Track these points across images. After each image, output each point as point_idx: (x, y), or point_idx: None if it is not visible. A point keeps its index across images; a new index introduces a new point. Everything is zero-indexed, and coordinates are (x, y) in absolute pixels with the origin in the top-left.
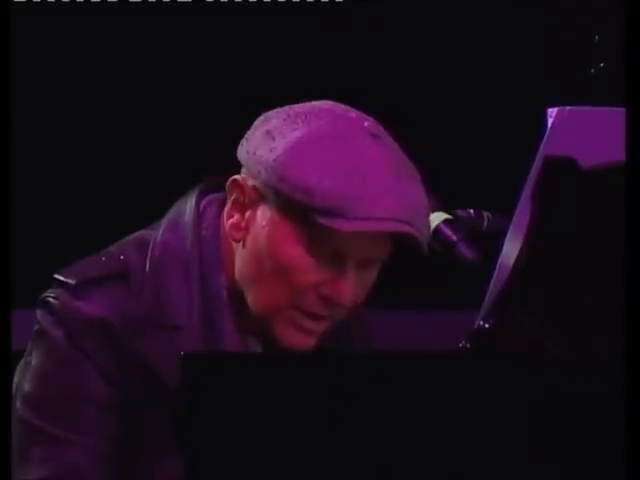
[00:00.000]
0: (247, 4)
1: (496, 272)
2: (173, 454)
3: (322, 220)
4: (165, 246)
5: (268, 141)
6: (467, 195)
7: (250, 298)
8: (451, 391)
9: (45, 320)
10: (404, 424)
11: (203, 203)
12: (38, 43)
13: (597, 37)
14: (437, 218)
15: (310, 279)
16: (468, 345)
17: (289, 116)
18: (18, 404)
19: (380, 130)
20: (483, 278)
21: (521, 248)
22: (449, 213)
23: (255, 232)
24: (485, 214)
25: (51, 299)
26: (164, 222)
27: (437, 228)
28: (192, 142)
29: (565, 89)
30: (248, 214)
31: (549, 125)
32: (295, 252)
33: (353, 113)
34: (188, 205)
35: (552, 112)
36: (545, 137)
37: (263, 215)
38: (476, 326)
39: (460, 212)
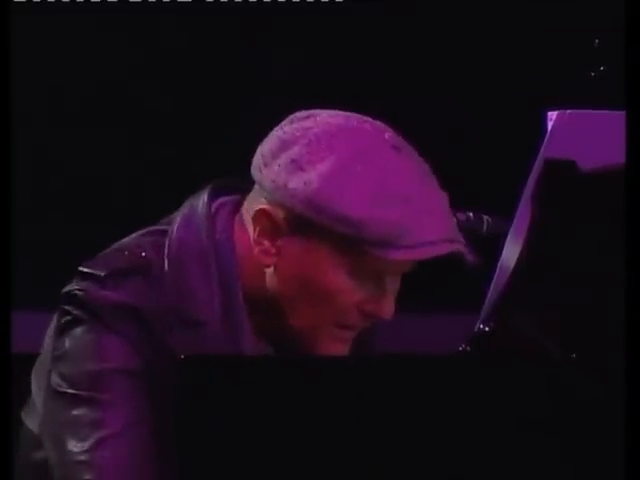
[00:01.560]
0: (247, 4)
1: (496, 275)
2: None
3: (371, 250)
4: (181, 243)
5: (297, 172)
6: (467, 198)
7: (288, 317)
8: (451, 394)
9: (77, 310)
10: (405, 427)
11: (215, 205)
12: (38, 43)
13: (597, 40)
14: None
15: (353, 300)
16: (468, 348)
17: (310, 141)
18: (57, 382)
19: (399, 140)
20: (483, 281)
21: (521, 251)
22: None
23: (290, 258)
24: (485, 217)
25: (78, 292)
26: (178, 219)
27: None
28: (192, 141)
29: (565, 92)
30: (279, 242)
31: (549, 128)
32: (337, 276)
33: (368, 125)
34: (200, 204)
35: (552, 115)
36: (545, 140)
37: (298, 244)
38: (476, 329)
39: (460, 215)
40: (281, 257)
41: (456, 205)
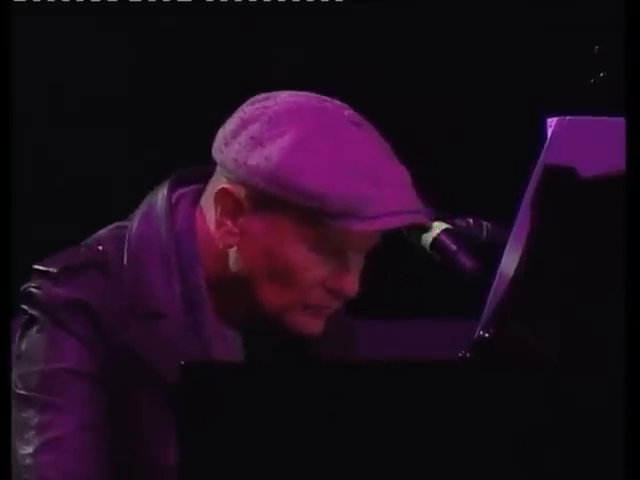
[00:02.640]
0: (247, 4)
1: (496, 281)
2: (169, 442)
3: (333, 222)
4: (140, 238)
5: (258, 148)
6: (466, 205)
7: (254, 299)
8: (451, 400)
9: (32, 310)
10: (405, 433)
11: (175, 196)
12: (38, 43)
13: (597, 47)
14: (436, 228)
15: (316, 276)
16: (468, 354)
17: (271, 118)
18: (14, 385)
19: (359, 117)
20: (483, 287)
21: (521, 257)
22: (448, 223)
23: (252, 237)
24: (484, 224)
25: (33, 289)
26: (137, 214)
27: (436, 238)
28: (193, 141)
29: (565, 98)
30: (241, 220)
31: (549, 135)
32: (300, 252)
33: (329, 104)
34: (159, 197)
35: (552, 122)
36: (545, 147)
37: (260, 221)
38: (476, 335)
39: (459, 222)
40: (244, 236)
41: (456, 211)
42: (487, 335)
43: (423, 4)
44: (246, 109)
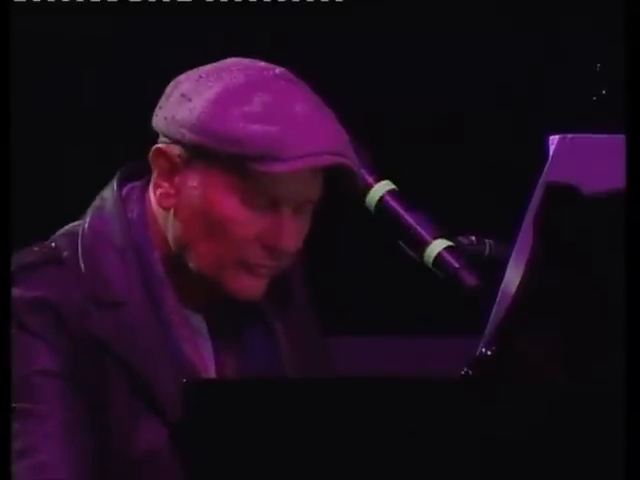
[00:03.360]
0: (247, 4)
1: (498, 299)
2: (142, 427)
3: (256, 166)
4: (94, 232)
5: (185, 103)
6: (469, 222)
7: (193, 261)
8: (453, 418)
9: None
10: (407, 450)
11: (125, 190)
12: (38, 43)
13: (598, 65)
14: (439, 245)
15: (250, 230)
16: (470, 372)
17: (201, 77)
18: None
19: (292, 76)
20: (485, 304)
21: (523, 275)
22: (451, 240)
23: (187, 195)
24: (487, 241)
25: None
26: (89, 211)
27: (439, 255)
28: None
29: (567, 116)
30: (177, 180)
31: (551, 153)
32: (232, 205)
33: (262, 63)
34: (110, 191)
35: (554, 140)
36: (547, 165)
37: (193, 176)
38: (478, 353)
39: (462, 239)
40: (180, 196)
41: (458, 229)
42: (489, 352)
43: (425, 19)
44: (180, 76)
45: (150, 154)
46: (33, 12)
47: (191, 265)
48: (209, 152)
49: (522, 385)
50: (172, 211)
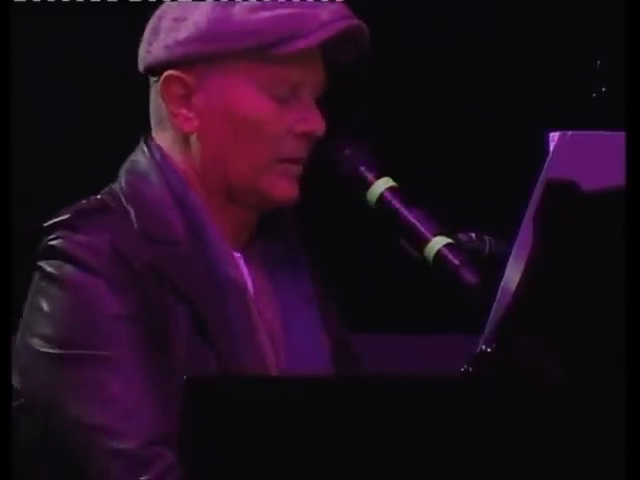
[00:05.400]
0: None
1: (498, 296)
2: (199, 362)
3: (277, 50)
4: (131, 184)
5: (182, 23)
6: (469, 219)
7: (230, 175)
8: (453, 415)
9: (52, 265)
10: (406, 448)
11: (151, 146)
12: (38, 43)
13: (598, 62)
14: (439, 242)
15: (281, 123)
16: (470, 369)
17: (182, 1)
18: (41, 348)
19: None
20: (485, 302)
21: (523, 272)
22: (451, 237)
23: (210, 110)
24: (487, 238)
25: (54, 242)
26: (121, 173)
27: (439, 252)
28: None
29: (567, 113)
30: (194, 100)
31: (551, 149)
32: (258, 102)
33: None
34: (139, 150)
35: (554, 136)
36: (547, 161)
37: (211, 90)
38: (478, 350)
39: (462, 236)
40: (202, 116)
41: (458, 226)
42: (489, 350)
43: (425, 20)
44: (155, 12)
45: (160, 85)
46: (33, 12)
47: (228, 181)
48: (224, 56)
49: (522, 383)
50: (195, 136)
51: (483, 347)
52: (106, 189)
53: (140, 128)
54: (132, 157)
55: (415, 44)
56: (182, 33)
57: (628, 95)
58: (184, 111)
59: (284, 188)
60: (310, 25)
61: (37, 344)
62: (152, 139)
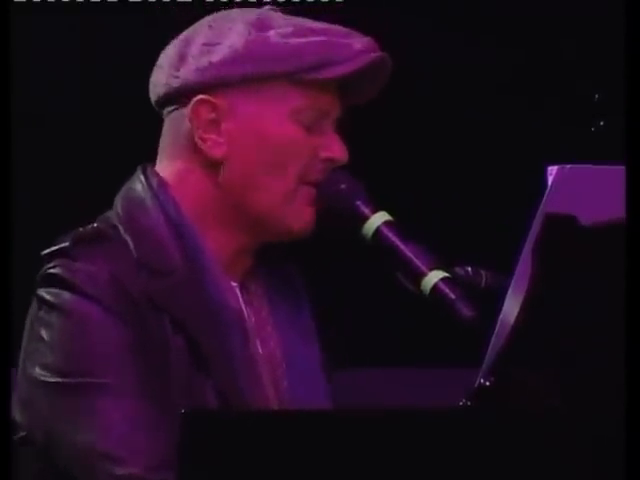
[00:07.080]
0: (247, 4)
1: (496, 329)
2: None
3: (312, 75)
4: (129, 214)
5: (215, 47)
6: (465, 253)
7: (257, 202)
8: (452, 449)
9: (51, 293)
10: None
11: (150, 174)
12: (38, 43)
13: (597, 95)
14: (435, 276)
15: (310, 145)
16: (468, 403)
17: (211, 25)
18: (41, 377)
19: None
20: (482, 335)
21: (521, 305)
22: (447, 271)
23: (241, 135)
24: (483, 272)
25: (52, 270)
26: (118, 200)
27: (435, 286)
28: None
29: (565, 147)
30: (224, 126)
31: (549, 183)
32: (289, 126)
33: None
34: (136, 178)
35: (552, 170)
36: (545, 195)
37: (243, 116)
38: (476, 384)
39: (458, 270)
40: (231, 140)
41: (455, 260)
42: (488, 383)
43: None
44: (175, 40)
45: (189, 109)
46: (33, 12)
47: (249, 208)
48: (259, 80)
49: (521, 416)
50: (222, 162)
51: (482, 381)
52: (102, 216)
53: (140, 128)
54: (128, 184)
55: (418, 30)
56: (216, 56)
57: (627, 129)
58: (214, 136)
59: (304, 215)
60: (345, 54)
61: (37, 373)
62: (151, 167)
